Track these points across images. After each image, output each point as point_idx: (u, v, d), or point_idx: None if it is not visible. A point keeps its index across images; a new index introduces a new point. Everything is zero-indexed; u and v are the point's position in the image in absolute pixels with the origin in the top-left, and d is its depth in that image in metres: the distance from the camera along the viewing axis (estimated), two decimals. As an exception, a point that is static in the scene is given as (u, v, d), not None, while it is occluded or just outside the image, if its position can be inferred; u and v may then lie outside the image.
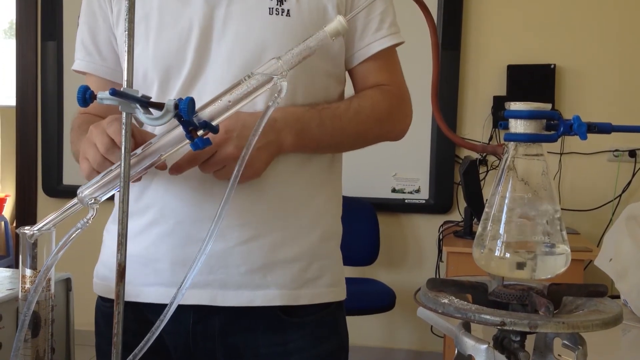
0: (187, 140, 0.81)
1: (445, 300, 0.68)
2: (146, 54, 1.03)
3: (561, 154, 3.17)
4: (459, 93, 3.26)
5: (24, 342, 0.82)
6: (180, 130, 0.82)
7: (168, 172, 0.96)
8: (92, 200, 0.83)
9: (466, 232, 2.89)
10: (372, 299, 2.97)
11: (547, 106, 0.72)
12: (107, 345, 1.09)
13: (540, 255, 0.70)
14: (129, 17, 0.64)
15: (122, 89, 0.66)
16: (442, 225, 3.23)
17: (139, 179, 0.91)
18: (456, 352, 0.72)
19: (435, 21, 0.83)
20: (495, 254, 0.71)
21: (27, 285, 0.82)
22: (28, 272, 0.82)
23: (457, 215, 3.26)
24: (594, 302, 0.70)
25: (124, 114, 0.66)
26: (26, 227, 0.82)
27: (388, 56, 1.13)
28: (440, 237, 3.18)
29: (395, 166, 3.30)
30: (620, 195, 3.15)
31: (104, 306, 1.13)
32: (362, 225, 3.20)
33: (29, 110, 3.62)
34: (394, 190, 3.33)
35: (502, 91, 3.20)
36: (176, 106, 0.72)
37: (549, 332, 0.70)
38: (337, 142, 1.09)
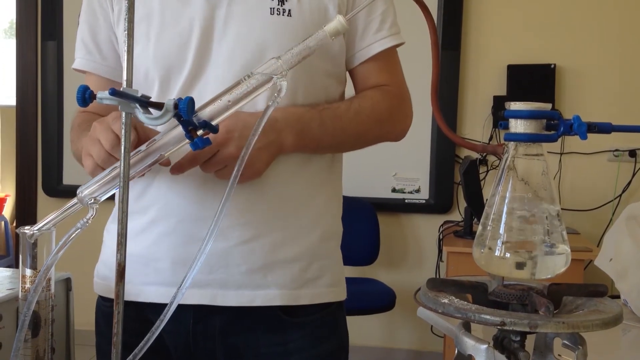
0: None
1: (445, 300, 0.68)
2: (147, 53, 1.03)
3: (561, 154, 3.17)
4: (459, 93, 3.26)
5: (24, 342, 0.82)
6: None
7: (169, 172, 0.96)
8: (92, 200, 0.83)
9: (466, 232, 2.89)
10: (372, 299, 2.97)
11: (547, 106, 0.72)
12: (107, 344, 1.09)
13: (540, 255, 0.70)
14: (128, 16, 0.64)
15: (121, 89, 0.66)
16: (442, 225, 3.23)
17: (142, 175, 0.90)
18: (456, 352, 0.72)
19: (435, 21, 0.83)
20: (495, 254, 0.71)
21: (27, 285, 0.82)
22: (28, 272, 0.82)
23: (457, 215, 3.26)
24: (594, 302, 0.70)
25: (123, 114, 0.66)
26: (26, 227, 0.82)
27: (389, 57, 1.13)
28: (440, 237, 3.18)
29: (396, 166, 3.30)
30: (620, 195, 3.15)
31: (104, 306, 1.13)
32: (362, 225, 3.20)
33: (29, 110, 3.62)
34: (394, 190, 3.33)
35: (502, 91, 3.20)
36: (176, 106, 0.72)
37: (549, 332, 0.70)
38: (338, 142, 1.09)
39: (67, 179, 3.57)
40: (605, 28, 3.17)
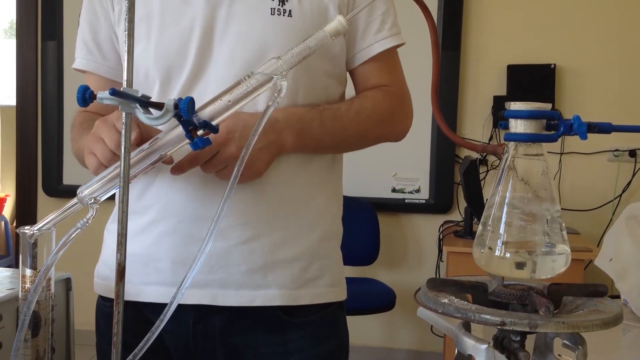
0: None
1: (445, 300, 0.68)
2: (148, 53, 1.03)
3: (561, 153, 3.17)
4: (459, 93, 3.26)
5: (24, 341, 0.82)
6: None
7: (170, 172, 0.96)
8: (92, 200, 0.83)
9: (466, 232, 2.89)
10: (372, 299, 2.97)
11: (547, 106, 0.72)
12: (107, 344, 1.09)
13: (540, 255, 0.70)
14: (129, 16, 0.64)
15: (121, 89, 0.66)
16: (442, 225, 3.23)
17: (146, 172, 0.90)
18: (456, 352, 0.72)
19: (435, 21, 0.83)
20: (496, 254, 0.71)
21: (27, 285, 0.82)
22: (28, 271, 0.82)
23: (457, 215, 3.26)
24: (594, 302, 0.70)
25: (123, 114, 0.66)
26: (26, 227, 0.82)
27: (389, 57, 1.13)
28: (440, 237, 3.18)
29: (396, 166, 3.30)
30: (620, 195, 3.15)
31: (104, 305, 1.13)
32: (362, 225, 3.20)
33: (29, 110, 3.62)
34: (394, 190, 3.33)
35: (502, 91, 3.20)
36: (176, 106, 0.72)
37: (549, 332, 0.70)
38: (338, 143, 1.09)
39: (67, 179, 3.57)
40: (605, 28, 3.17)
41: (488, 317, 0.64)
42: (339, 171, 1.16)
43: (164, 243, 1.04)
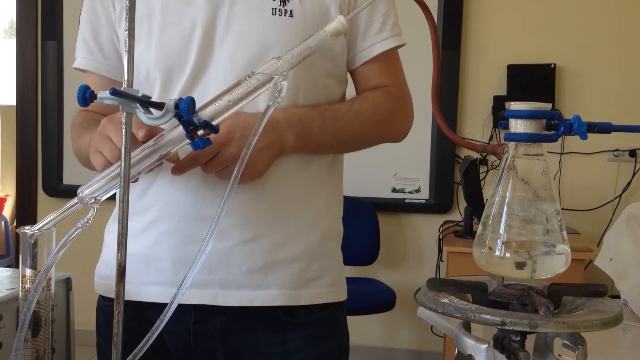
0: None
1: (446, 300, 0.68)
2: (149, 53, 1.03)
3: (561, 153, 3.17)
4: (459, 93, 3.26)
5: (24, 341, 0.82)
6: None
7: (171, 172, 0.96)
8: (92, 200, 0.83)
9: (466, 231, 2.89)
10: (372, 298, 2.97)
11: (547, 106, 0.72)
12: (107, 344, 1.09)
13: (541, 255, 0.70)
14: (129, 16, 0.64)
15: (122, 89, 0.66)
16: (442, 225, 3.23)
17: (151, 170, 0.90)
18: (456, 352, 0.72)
19: (436, 21, 0.83)
20: (496, 254, 0.71)
21: (27, 285, 0.82)
22: (28, 271, 0.82)
23: (457, 215, 3.26)
24: (594, 302, 0.70)
25: (124, 114, 0.66)
26: (26, 227, 0.82)
27: (390, 58, 1.13)
28: (441, 236, 3.18)
29: (396, 166, 3.30)
30: (620, 195, 3.15)
31: (104, 305, 1.13)
32: (362, 225, 3.20)
33: (29, 110, 3.62)
34: (394, 190, 3.33)
35: (502, 91, 3.20)
36: (176, 106, 0.72)
37: (549, 332, 0.70)
38: (339, 143, 1.09)
39: (67, 179, 3.57)
40: (605, 28, 3.17)
41: (488, 317, 0.64)
42: (340, 171, 1.16)
43: (164, 243, 1.04)
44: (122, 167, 0.65)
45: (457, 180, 3.24)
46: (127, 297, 0.90)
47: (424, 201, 3.32)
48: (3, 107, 4.67)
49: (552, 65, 3.17)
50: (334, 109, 1.06)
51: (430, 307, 0.69)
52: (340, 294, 1.12)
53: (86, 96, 0.71)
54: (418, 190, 3.32)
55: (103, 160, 0.90)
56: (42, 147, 3.60)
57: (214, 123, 0.82)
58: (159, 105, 0.72)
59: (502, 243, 0.71)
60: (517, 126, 0.72)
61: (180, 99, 0.72)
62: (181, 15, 1.03)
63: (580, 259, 2.60)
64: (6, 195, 4.77)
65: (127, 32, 0.64)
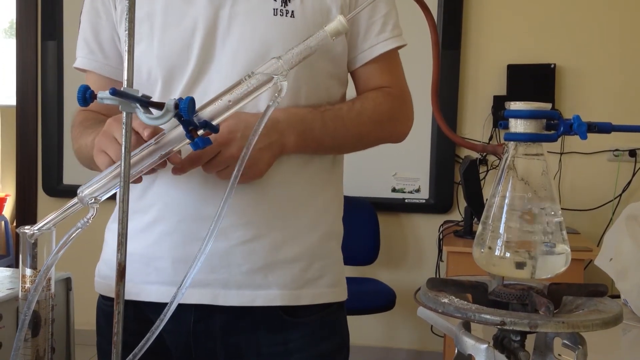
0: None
1: (445, 300, 0.68)
2: (150, 52, 1.03)
3: (561, 153, 3.17)
4: (459, 93, 3.26)
5: (24, 341, 0.82)
6: None
7: (171, 172, 0.96)
8: (92, 200, 0.83)
9: (466, 231, 2.89)
10: (372, 298, 2.97)
11: (547, 106, 0.72)
12: (107, 344, 1.09)
13: (540, 255, 0.70)
14: (129, 16, 0.64)
15: (122, 89, 0.66)
16: (442, 225, 3.23)
17: (151, 171, 0.90)
18: (456, 351, 0.72)
19: (436, 21, 0.83)
20: (496, 254, 0.71)
21: (27, 285, 0.82)
22: (28, 271, 0.82)
23: (457, 215, 3.26)
24: (594, 302, 0.70)
25: (124, 114, 0.66)
26: (26, 227, 0.82)
27: (390, 58, 1.13)
28: (440, 236, 3.18)
29: (396, 166, 3.30)
30: (620, 195, 3.15)
31: (105, 305, 1.13)
32: (362, 225, 3.20)
33: (29, 110, 3.62)
34: (394, 190, 3.33)
35: (502, 91, 3.20)
36: (176, 106, 0.72)
37: (549, 331, 0.70)
38: (339, 144, 1.09)
39: (67, 179, 3.57)
40: (605, 28, 3.17)
41: (488, 317, 0.64)
42: (340, 171, 1.16)
43: (164, 242, 1.04)
44: (122, 167, 0.65)
45: (457, 180, 3.24)
46: (128, 297, 0.90)
47: (424, 201, 3.32)
48: (3, 107, 4.67)
49: (552, 65, 3.17)
50: (334, 110, 1.06)
51: (430, 307, 0.69)
52: (340, 294, 1.12)
53: (86, 96, 0.71)
54: (418, 190, 3.32)
55: (108, 160, 0.90)
56: (42, 147, 3.60)
57: (214, 123, 0.82)
58: (159, 105, 0.72)
59: (502, 243, 0.71)
60: (517, 126, 0.72)
61: (180, 99, 0.72)
62: (182, 15, 1.03)
63: (580, 259, 2.60)
64: (6, 195, 4.77)
65: (127, 31, 0.64)
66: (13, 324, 1.12)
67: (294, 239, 1.05)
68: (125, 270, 0.65)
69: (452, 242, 2.83)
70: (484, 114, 3.25)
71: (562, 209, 0.73)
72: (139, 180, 0.90)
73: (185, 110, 0.72)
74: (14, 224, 4.43)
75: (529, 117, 0.71)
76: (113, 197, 0.89)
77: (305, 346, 1.07)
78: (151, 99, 0.71)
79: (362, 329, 3.28)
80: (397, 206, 3.33)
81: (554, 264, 0.70)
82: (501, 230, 0.71)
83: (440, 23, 3.20)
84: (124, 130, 0.65)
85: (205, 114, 0.82)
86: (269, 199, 1.03)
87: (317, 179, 1.09)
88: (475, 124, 3.27)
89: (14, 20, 3.68)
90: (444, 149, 3.26)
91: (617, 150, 3.15)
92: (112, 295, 0.90)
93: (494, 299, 0.70)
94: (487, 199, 0.75)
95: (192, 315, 1.05)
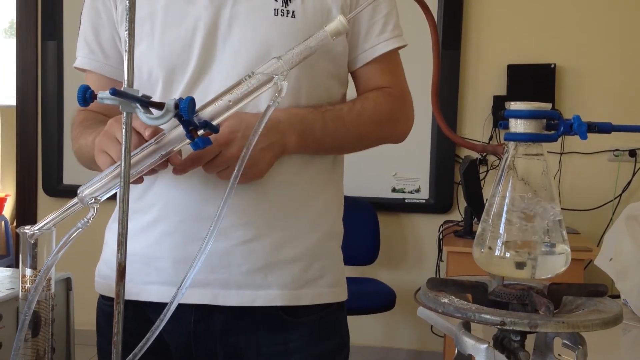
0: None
1: (446, 300, 0.68)
2: (151, 53, 1.03)
3: (561, 153, 3.17)
4: (459, 93, 3.26)
5: (24, 341, 0.82)
6: None
7: (172, 172, 0.96)
8: (93, 200, 0.83)
9: (466, 231, 2.89)
10: (372, 298, 2.97)
11: (547, 106, 0.72)
12: (108, 344, 1.09)
13: (541, 255, 0.70)
14: (129, 16, 0.64)
15: (122, 89, 0.66)
16: (442, 225, 3.23)
17: (152, 172, 0.90)
18: (456, 351, 0.72)
19: (436, 21, 0.82)
20: (496, 254, 0.71)
21: (28, 285, 0.82)
22: (28, 271, 0.82)
23: (457, 215, 3.26)
24: (594, 302, 0.70)
25: (124, 114, 0.66)
26: (26, 227, 0.82)
27: (391, 59, 1.13)
28: (440, 236, 3.18)
29: (396, 166, 3.30)
30: (620, 195, 3.15)
31: (105, 305, 1.13)
32: (362, 225, 3.20)
33: (29, 110, 3.62)
34: (394, 190, 3.33)
35: (502, 91, 3.20)
36: (176, 106, 0.72)
37: (549, 331, 0.70)
38: (340, 144, 1.09)
39: (67, 179, 3.57)
40: (605, 28, 3.17)
41: (488, 316, 0.64)
42: (340, 172, 1.16)
43: (165, 242, 1.04)
44: (122, 167, 0.65)
45: (457, 180, 3.24)
46: (128, 297, 0.89)
47: (424, 201, 3.32)
48: (3, 107, 4.67)
49: (552, 65, 3.17)
50: (335, 110, 1.06)
51: (430, 307, 0.69)
52: (340, 294, 1.12)
53: (86, 96, 0.71)
54: (418, 190, 3.32)
55: (109, 160, 0.90)
56: (42, 147, 3.60)
57: (214, 123, 0.82)
58: (159, 105, 0.72)
59: (502, 243, 0.71)
60: (517, 126, 0.72)
61: (180, 99, 0.72)
62: (183, 15, 1.03)
63: (580, 259, 2.60)
64: (6, 195, 4.77)
65: (127, 31, 0.64)
66: (13, 324, 1.12)
67: (294, 239, 1.05)
68: (126, 270, 0.65)
69: (452, 242, 2.83)
70: (484, 114, 3.25)
71: (562, 209, 0.73)
72: (140, 180, 0.90)
73: (185, 110, 0.72)
74: (14, 224, 4.43)
75: (529, 117, 0.71)
76: (113, 197, 0.89)
77: (305, 346, 1.07)
78: (151, 99, 0.71)
79: (362, 329, 3.28)
80: (397, 206, 3.33)
81: (554, 264, 0.71)
82: (501, 230, 0.71)
83: (441, 23, 3.20)
84: (124, 130, 0.65)
85: (205, 114, 0.82)
86: (269, 199, 1.03)
87: (317, 179, 1.09)
88: (475, 124, 3.27)
89: (14, 20, 3.68)
90: (444, 149, 3.26)
91: (617, 150, 3.15)
92: (112, 295, 0.90)
93: (494, 299, 0.70)
94: (487, 199, 0.75)
95: (192, 315, 1.05)
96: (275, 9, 1.02)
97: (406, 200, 3.33)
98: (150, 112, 0.72)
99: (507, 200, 0.72)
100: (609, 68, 3.17)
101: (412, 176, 3.32)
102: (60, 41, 3.52)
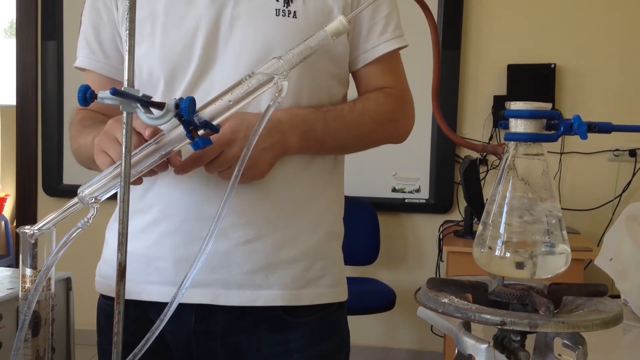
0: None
1: (446, 300, 0.68)
2: (152, 53, 1.03)
3: (561, 153, 3.17)
4: (459, 93, 3.26)
5: (24, 341, 0.82)
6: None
7: (174, 172, 0.96)
8: (93, 200, 0.83)
9: (466, 231, 2.89)
10: (372, 298, 2.97)
11: (547, 106, 0.72)
12: (108, 343, 1.09)
13: (541, 255, 0.70)
14: (130, 16, 0.64)
15: (122, 89, 0.66)
16: (442, 225, 3.23)
17: (151, 173, 0.90)
18: (456, 351, 0.72)
19: (436, 21, 0.82)
20: (496, 254, 0.71)
21: (28, 285, 0.82)
22: (28, 271, 0.82)
23: (457, 215, 3.26)
24: (594, 302, 0.70)
25: (124, 114, 0.66)
26: (26, 227, 0.82)
27: (392, 59, 1.13)
28: (441, 236, 3.18)
29: (396, 166, 3.30)
30: (620, 195, 3.15)
31: (105, 304, 1.13)
32: (362, 225, 3.20)
33: (29, 110, 3.62)
34: (394, 190, 3.33)
35: (502, 91, 3.20)
36: (177, 106, 0.72)
37: (549, 331, 0.70)
38: (341, 144, 1.09)
39: (67, 179, 3.57)
40: (605, 28, 3.17)
41: (488, 316, 0.64)
42: (341, 172, 1.16)
43: (166, 242, 1.04)
44: (123, 167, 0.65)
45: (457, 180, 3.24)
46: (128, 296, 0.90)
47: (424, 201, 3.32)
48: (3, 107, 4.67)
49: (552, 65, 3.17)
50: (336, 110, 1.06)
51: (430, 307, 0.69)
52: (341, 294, 1.12)
53: (87, 96, 0.71)
54: (418, 190, 3.32)
55: (109, 161, 0.90)
56: (42, 147, 3.60)
57: (215, 123, 0.82)
58: (160, 105, 0.72)
59: (502, 243, 0.71)
60: (517, 126, 0.72)
61: (181, 99, 0.72)
62: (184, 15, 1.03)
63: (580, 258, 2.60)
64: (6, 195, 4.77)
65: (127, 31, 0.64)
66: (13, 324, 1.12)
67: (295, 239, 1.05)
68: (126, 270, 0.65)
69: (452, 242, 2.83)
70: (484, 114, 3.25)
71: (562, 209, 0.73)
72: (139, 182, 0.90)
73: (185, 110, 0.72)
74: (14, 224, 4.43)
75: (529, 117, 0.71)
76: (114, 197, 0.89)
77: (305, 346, 1.07)
78: (152, 99, 0.71)
79: (362, 329, 3.28)
80: (397, 206, 3.33)
81: (554, 264, 0.71)
82: (501, 230, 0.71)
83: (441, 23, 3.20)
84: (124, 130, 0.65)
85: (205, 114, 0.82)
86: (270, 199, 1.03)
87: (318, 180, 1.09)
88: (475, 124, 3.27)
89: (14, 20, 3.68)
90: (444, 149, 3.26)
91: (617, 150, 3.15)
92: (113, 294, 0.90)
93: (494, 299, 0.70)
94: (487, 199, 0.75)
95: (193, 315, 1.05)
96: (276, 9, 1.02)
97: (406, 200, 3.33)
98: (151, 112, 0.72)
99: (507, 200, 0.72)
100: (609, 68, 3.17)
101: (412, 176, 3.32)
102: (60, 41, 3.52)
